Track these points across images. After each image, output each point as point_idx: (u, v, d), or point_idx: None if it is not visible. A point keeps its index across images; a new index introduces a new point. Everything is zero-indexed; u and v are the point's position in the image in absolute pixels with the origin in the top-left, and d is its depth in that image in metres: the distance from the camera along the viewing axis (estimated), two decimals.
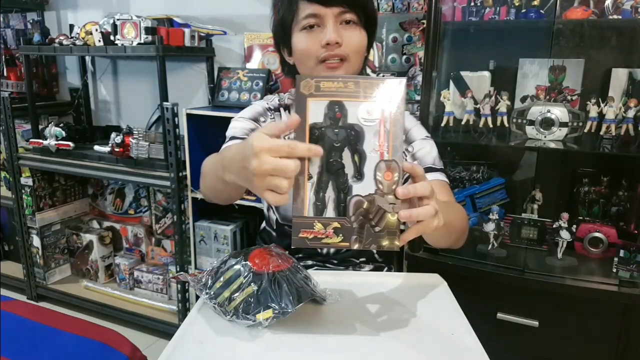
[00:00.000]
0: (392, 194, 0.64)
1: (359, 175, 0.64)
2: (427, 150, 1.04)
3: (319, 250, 1.12)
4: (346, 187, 0.64)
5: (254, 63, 2.02)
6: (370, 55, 1.25)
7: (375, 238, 0.65)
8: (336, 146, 0.64)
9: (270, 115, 1.09)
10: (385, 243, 0.65)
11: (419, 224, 0.66)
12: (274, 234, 1.17)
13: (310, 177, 0.64)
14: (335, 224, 0.65)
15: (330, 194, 0.65)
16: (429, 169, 1.00)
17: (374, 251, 1.14)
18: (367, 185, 0.64)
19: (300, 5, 0.94)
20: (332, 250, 1.12)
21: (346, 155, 0.65)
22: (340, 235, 0.65)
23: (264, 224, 1.24)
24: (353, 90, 0.64)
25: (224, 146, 1.01)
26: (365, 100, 0.64)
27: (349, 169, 0.65)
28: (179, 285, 2.09)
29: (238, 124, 1.06)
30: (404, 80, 0.65)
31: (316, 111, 0.64)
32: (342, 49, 0.94)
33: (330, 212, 0.65)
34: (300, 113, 0.64)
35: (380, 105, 0.64)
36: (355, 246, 0.65)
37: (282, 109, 1.11)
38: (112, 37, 1.95)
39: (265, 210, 1.21)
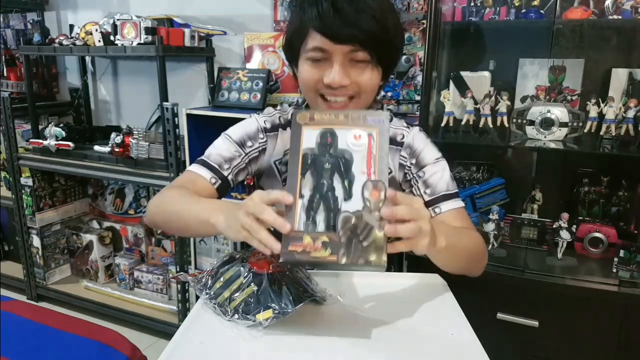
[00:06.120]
0: (378, 211, 0.66)
1: (348, 196, 0.68)
2: (439, 175, 0.97)
3: None
4: (336, 207, 0.67)
5: (254, 63, 2.02)
6: None
7: (363, 253, 0.65)
8: (327, 168, 0.69)
9: (262, 138, 1.03)
10: (372, 258, 0.65)
11: (408, 240, 0.67)
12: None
13: (302, 196, 0.68)
14: (324, 238, 0.66)
15: (320, 215, 0.68)
16: (443, 197, 0.96)
17: None
18: (356, 203, 0.67)
19: (310, 33, 0.87)
20: None
21: (337, 179, 0.69)
22: (329, 248, 0.66)
23: None
24: (342, 120, 0.72)
25: (190, 167, 1.00)
26: (354, 128, 0.71)
27: (339, 192, 0.68)
28: (179, 285, 2.09)
29: (220, 144, 1.02)
30: (387, 114, 0.74)
31: (310, 138, 0.71)
32: (349, 89, 0.89)
33: (320, 230, 0.67)
34: (294, 140, 0.71)
35: (367, 132, 0.71)
36: (343, 260, 0.65)
37: (281, 129, 1.04)
38: (112, 37, 1.95)
39: None
